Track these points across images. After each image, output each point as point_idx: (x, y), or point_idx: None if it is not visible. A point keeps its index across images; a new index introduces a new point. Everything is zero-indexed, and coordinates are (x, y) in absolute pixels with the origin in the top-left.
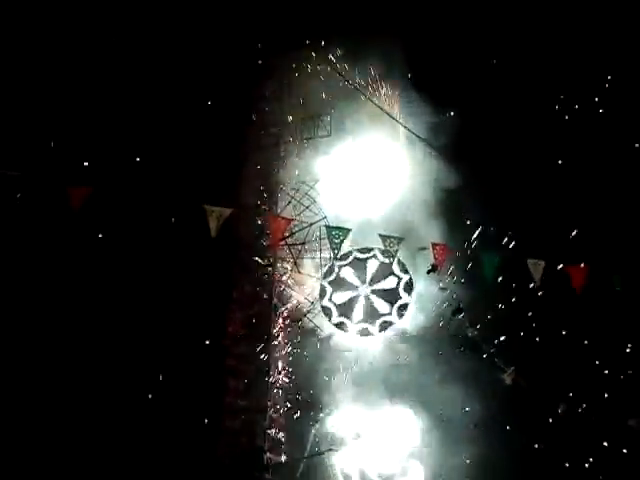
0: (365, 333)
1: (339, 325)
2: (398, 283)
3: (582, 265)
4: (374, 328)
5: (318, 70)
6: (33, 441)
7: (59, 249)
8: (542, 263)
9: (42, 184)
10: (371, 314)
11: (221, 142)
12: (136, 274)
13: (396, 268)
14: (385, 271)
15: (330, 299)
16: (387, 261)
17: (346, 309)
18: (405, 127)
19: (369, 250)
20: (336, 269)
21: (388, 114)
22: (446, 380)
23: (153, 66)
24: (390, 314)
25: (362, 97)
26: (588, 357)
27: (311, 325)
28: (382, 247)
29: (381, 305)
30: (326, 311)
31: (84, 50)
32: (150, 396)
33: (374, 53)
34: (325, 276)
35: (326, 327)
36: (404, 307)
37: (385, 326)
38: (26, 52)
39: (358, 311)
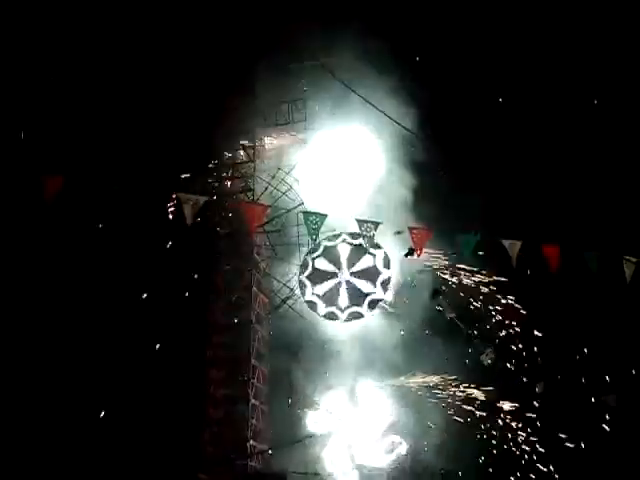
0: (355, 316)
1: (328, 315)
2: (375, 260)
3: (556, 244)
4: (363, 309)
5: (292, 55)
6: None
7: (33, 240)
8: (518, 243)
9: (15, 175)
10: (357, 296)
11: (195, 130)
12: (112, 264)
13: (368, 246)
14: (358, 252)
15: (313, 293)
16: (356, 242)
17: (331, 298)
18: (382, 112)
19: (337, 236)
20: (310, 262)
21: (364, 99)
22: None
23: (126, 55)
24: (375, 292)
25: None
26: (565, 336)
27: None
28: (350, 231)
29: (364, 285)
30: (311, 306)
31: (56, 41)
32: (131, 387)
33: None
34: (302, 272)
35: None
36: (387, 281)
37: (373, 304)
38: None
39: (343, 297)
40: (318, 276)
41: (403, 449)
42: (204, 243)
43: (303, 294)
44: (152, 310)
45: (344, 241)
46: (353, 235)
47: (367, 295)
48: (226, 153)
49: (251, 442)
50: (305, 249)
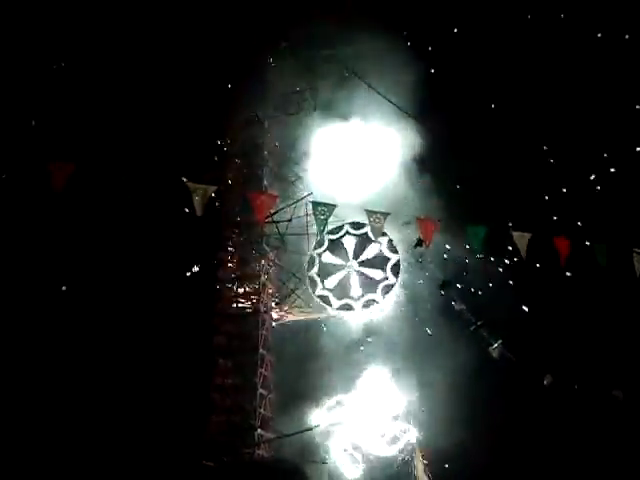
0: (371, 303)
1: (343, 307)
2: (380, 247)
3: (566, 237)
4: (377, 295)
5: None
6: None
7: (42, 229)
8: (527, 235)
9: (24, 163)
10: (369, 284)
11: (205, 119)
12: (121, 254)
13: (372, 235)
14: (363, 241)
15: (324, 287)
16: (359, 232)
17: (343, 290)
18: (390, 101)
19: (340, 228)
20: (316, 258)
21: (373, 89)
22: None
23: (135, 46)
24: (387, 277)
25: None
26: (573, 329)
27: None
28: (352, 220)
29: (375, 272)
30: (324, 300)
31: (65, 31)
32: (139, 375)
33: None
34: (309, 268)
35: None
36: (397, 265)
37: (387, 289)
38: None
39: (355, 286)
40: (327, 270)
41: (412, 437)
42: (213, 232)
43: (314, 291)
44: (161, 299)
45: (347, 233)
46: (355, 225)
47: (380, 282)
48: (235, 142)
49: (259, 431)
50: (314, 239)
